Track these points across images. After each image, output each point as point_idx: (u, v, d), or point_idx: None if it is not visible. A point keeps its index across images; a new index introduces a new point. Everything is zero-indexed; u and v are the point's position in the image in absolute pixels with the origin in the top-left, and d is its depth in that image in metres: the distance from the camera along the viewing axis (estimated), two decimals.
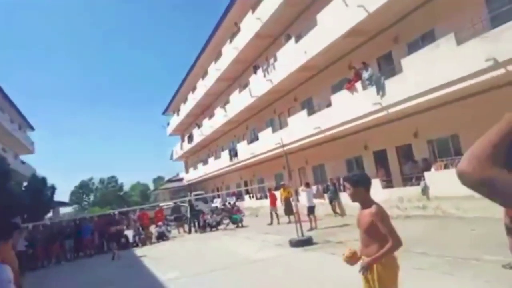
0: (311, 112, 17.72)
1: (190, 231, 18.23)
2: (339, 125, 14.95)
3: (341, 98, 14.75)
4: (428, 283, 5.18)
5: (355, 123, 14.18)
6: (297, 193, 14.58)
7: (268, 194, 17.49)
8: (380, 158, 15.28)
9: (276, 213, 15.86)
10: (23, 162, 33.63)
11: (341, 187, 14.82)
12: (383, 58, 14.57)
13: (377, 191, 11.69)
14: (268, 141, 20.51)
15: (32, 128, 40.38)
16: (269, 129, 21.78)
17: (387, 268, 2.92)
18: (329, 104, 15.88)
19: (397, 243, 2.84)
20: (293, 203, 12.19)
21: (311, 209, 12.52)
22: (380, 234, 2.88)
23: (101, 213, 20.08)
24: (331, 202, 15.06)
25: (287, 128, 19.34)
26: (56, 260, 14.32)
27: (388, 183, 14.28)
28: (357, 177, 3.10)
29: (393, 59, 13.70)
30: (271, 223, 15.66)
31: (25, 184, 21.83)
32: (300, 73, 17.91)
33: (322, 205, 15.35)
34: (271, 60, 19.86)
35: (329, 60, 16.50)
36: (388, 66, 13.72)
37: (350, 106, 13.97)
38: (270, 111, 24.10)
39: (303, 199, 13.52)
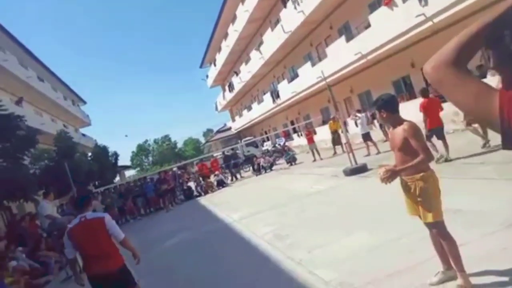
0: (349, 37, 16.85)
1: (234, 178, 19.11)
2: (381, 46, 14.15)
3: (380, 16, 13.79)
4: (486, 189, 5.10)
5: (398, 41, 13.34)
6: (345, 123, 14.45)
7: (305, 133, 17.50)
8: None
9: (316, 150, 15.97)
10: (84, 135, 36.12)
11: None
12: None
13: None
14: (309, 76, 20.06)
15: (84, 102, 42.66)
16: (308, 64, 21.19)
17: (428, 182, 2.95)
18: (367, 26, 14.96)
19: (428, 157, 2.90)
20: (342, 134, 12.18)
21: (366, 136, 12.39)
22: (413, 151, 2.90)
23: (160, 170, 21.37)
24: (381, 127, 14.76)
25: (326, 60, 18.68)
26: (132, 216, 15.83)
27: (442, 97, 13.57)
28: (380, 102, 3.11)
29: None
30: (315, 159, 15.84)
31: (90, 154, 23.64)
32: None
33: (373, 131, 15.11)
34: None
35: None
36: None
37: (391, 23, 13.06)
38: (306, 45, 23.24)
39: (357, 126, 13.43)
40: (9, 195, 11.02)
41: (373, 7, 15.49)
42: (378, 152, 11.73)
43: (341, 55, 16.84)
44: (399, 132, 3.02)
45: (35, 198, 12.05)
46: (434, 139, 7.91)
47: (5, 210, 13.75)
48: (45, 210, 8.28)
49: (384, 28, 13.51)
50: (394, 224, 4.75)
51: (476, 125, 7.89)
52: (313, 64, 20.64)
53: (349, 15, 17.99)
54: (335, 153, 15.33)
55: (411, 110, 8.68)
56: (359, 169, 9.61)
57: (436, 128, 7.94)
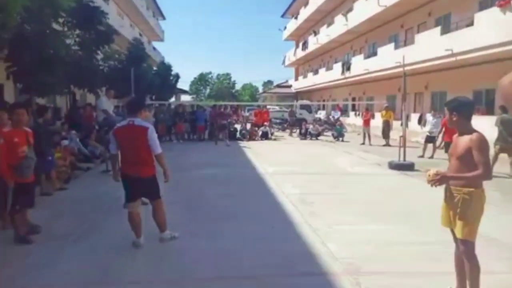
0: (445, 30, 15.52)
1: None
2: (477, 49, 12.93)
3: (488, 16, 12.47)
4: None
5: (497, 49, 12.10)
6: (407, 117, 13.74)
7: (363, 113, 16.69)
8: None
9: (368, 133, 15.45)
10: (154, 48, 37.27)
11: None
12: None
13: None
14: (387, 58, 18.97)
15: (163, 17, 43.52)
16: (391, 45, 19.97)
17: (474, 199, 2.81)
18: (470, 24, 13.63)
19: (487, 174, 2.73)
20: (401, 127, 11.59)
21: (432, 138, 11.62)
22: (473, 164, 2.74)
23: (215, 104, 21.92)
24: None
25: (412, 46, 17.47)
26: (176, 138, 16.60)
27: None
28: (455, 103, 2.93)
29: None
30: (363, 142, 15.38)
31: (154, 68, 24.53)
32: None
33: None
34: None
35: None
36: None
37: (498, 28, 11.80)
38: (396, 25, 21.75)
39: (423, 126, 12.69)
40: (78, 82, 11.87)
41: (483, 5, 14.00)
42: (431, 157, 11.18)
43: (429, 46, 15.64)
44: (465, 140, 2.86)
45: (98, 91, 12.91)
46: None
47: (70, 95, 14.90)
48: (103, 104, 8.90)
49: (486, 31, 12.26)
50: (423, 228, 4.66)
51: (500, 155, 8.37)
52: (396, 47, 19.42)
53: (454, 6, 16.43)
54: (386, 143, 14.81)
55: (485, 126, 8.08)
56: (405, 166, 9.28)
57: None
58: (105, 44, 12.47)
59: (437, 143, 11.11)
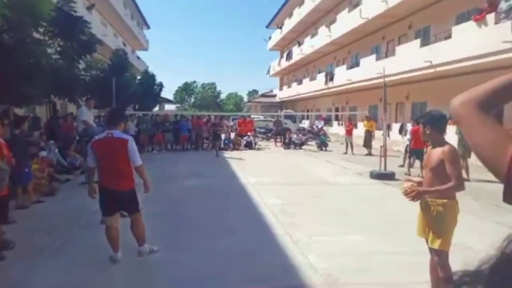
0: (425, 43, 15.93)
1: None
2: (455, 61, 13.30)
3: (464, 30, 12.87)
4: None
5: (475, 61, 12.46)
6: (389, 127, 13.96)
7: (346, 123, 17.10)
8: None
9: (351, 143, 15.71)
10: (138, 57, 37.06)
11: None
12: None
13: None
14: (369, 69, 19.32)
15: (148, 27, 43.39)
16: (373, 56, 20.35)
17: (448, 210, 2.89)
18: (448, 36, 14.04)
19: (459, 185, 2.81)
20: (382, 137, 11.77)
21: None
22: (446, 176, 2.82)
23: (200, 114, 21.85)
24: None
25: (393, 58, 17.86)
26: (158, 148, 16.44)
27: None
28: (428, 117, 3.04)
29: None
30: (346, 152, 15.58)
31: (138, 77, 24.36)
32: None
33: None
34: None
35: None
36: None
37: (474, 42, 12.18)
38: (378, 37, 22.22)
39: (408, 135, 12.90)
40: (58, 92, 11.68)
41: (460, 19, 14.45)
42: (403, 166, 11.39)
43: (409, 58, 16.02)
44: (437, 152, 2.94)
45: (78, 101, 12.73)
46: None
47: (50, 105, 14.64)
48: (83, 115, 8.76)
49: (464, 44, 12.64)
50: (401, 238, 4.71)
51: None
52: (378, 58, 19.80)
53: (433, 19, 16.90)
54: (368, 153, 15.02)
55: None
56: (386, 176, 9.42)
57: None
58: (87, 53, 12.34)
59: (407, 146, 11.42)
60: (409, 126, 13.42)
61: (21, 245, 4.46)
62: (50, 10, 9.20)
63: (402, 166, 11.40)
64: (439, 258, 2.93)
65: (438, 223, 2.91)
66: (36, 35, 9.70)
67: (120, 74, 15.80)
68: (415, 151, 10.35)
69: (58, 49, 11.42)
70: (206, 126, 17.53)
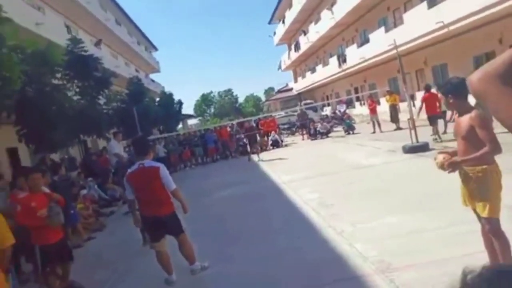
0: (432, 4, 15.42)
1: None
2: (467, 16, 12.81)
3: None
4: None
5: (487, 12, 11.97)
6: (412, 97, 13.60)
7: (368, 102, 16.63)
8: None
9: (377, 121, 15.34)
10: (153, 81, 37.94)
11: None
12: None
13: None
14: (380, 43, 18.89)
15: (155, 49, 44.33)
16: (382, 29, 19.89)
17: (489, 176, 2.79)
18: None
19: (495, 149, 2.68)
20: (408, 109, 11.48)
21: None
22: (479, 141, 2.72)
23: (221, 125, 22.05)
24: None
25: (402, 26, 17.40)
26: (189, 164, 16.77)
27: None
28: (448, 86, 2.94)
29: None
30: (374, 131, 15.26)
31: (157, 99, 24.93)
32: None
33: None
34: None
35: None
36: None
37: None
38: (382, 9, 21.68)
39: None
40: (85, 131, 12.17)
41: None
42: (445, 132, 11.05)
43: (419, 22, 15.55)
44: (465, 120, 2.85)
45: (106, 135, 13.21)
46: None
47: (81, 144, 15.26)
48: (113, 148, 9.11)
49: None
50: (445, 211, 4.61)
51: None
52: (387, 30, 19.34)
53: None
54: (397, 127, 14.68)
55: None
56: (420, 148, 9.20)
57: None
58: (104, 88, 12.79)
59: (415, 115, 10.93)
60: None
61: (84, 282, 4.71)
62: (62, 55, 9.62)
63: (435, 135, 11.09)
64: (490, 226, 2.85)
65: (481, 191, 2.83)
66: (54, 81, 10.17)
67: (139, 101, 16.25)
68: (431, 118, 10.59)
69: (77, 90, 11.91)
70: (236, 137, 17.49)
